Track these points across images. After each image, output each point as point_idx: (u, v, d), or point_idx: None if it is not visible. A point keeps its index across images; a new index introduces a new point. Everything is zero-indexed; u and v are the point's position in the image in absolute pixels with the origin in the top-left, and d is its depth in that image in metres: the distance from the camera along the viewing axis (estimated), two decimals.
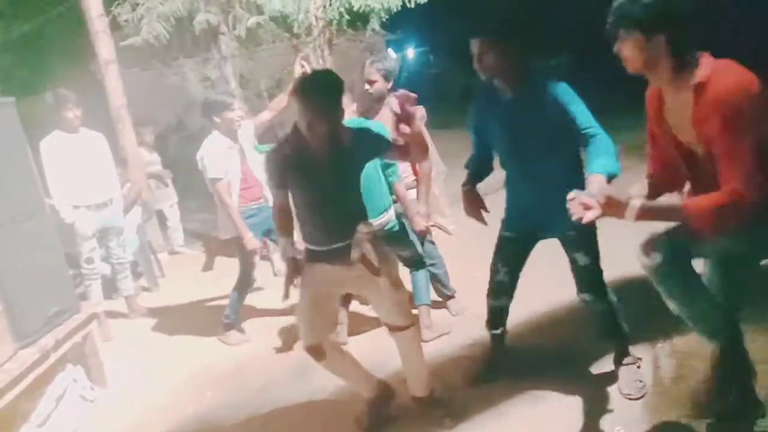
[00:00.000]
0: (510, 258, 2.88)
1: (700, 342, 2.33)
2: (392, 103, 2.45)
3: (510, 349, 3.17)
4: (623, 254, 2.71)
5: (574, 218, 1.96)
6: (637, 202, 1.88)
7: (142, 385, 3.76)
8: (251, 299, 4.39)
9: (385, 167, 3.46)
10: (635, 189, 2.19)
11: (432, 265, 3.84)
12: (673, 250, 2.04)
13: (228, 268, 4.21)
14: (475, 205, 2.84)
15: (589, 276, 2.73)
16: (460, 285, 4.00)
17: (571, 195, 1.98)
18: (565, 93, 2.51)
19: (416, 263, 3.66)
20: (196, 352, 4.13)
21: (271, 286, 5.03)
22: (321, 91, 2.36)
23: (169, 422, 3.29)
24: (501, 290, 2.93)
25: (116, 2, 6.49)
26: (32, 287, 3.19)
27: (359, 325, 3.91)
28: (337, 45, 7.41)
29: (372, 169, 3.36)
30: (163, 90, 9.30)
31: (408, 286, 3.95)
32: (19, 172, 3.27)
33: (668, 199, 2.24)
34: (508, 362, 3.10)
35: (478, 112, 2.81)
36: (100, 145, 4.65)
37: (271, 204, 4.06)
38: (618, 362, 2.84)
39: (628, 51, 1.94)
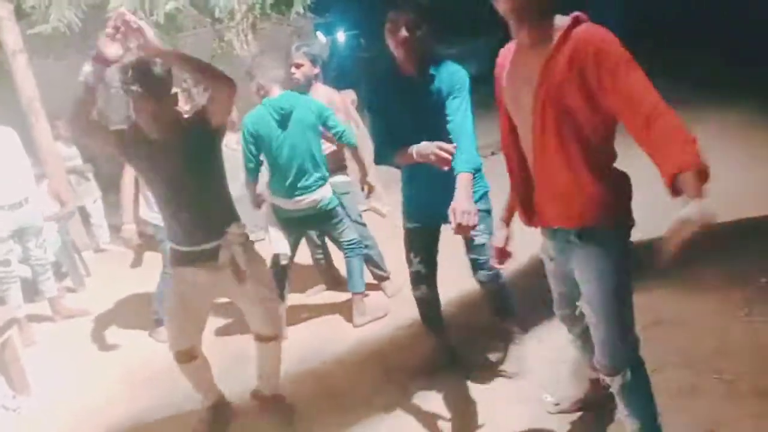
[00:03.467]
0: (420, 248, 2.84)
1: None
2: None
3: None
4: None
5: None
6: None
7: (71, 389, 3.60)
8: None
9: (339, 135, 3.42)
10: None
11: (365, 246, 3.84)
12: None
13: (158, 263, 4.06)
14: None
15: (485, 255, 2.71)
16: (394, 267, 4.02)
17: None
18: (459, 79, 2.49)
19: (352, 246, 3.64)
20: (127, 352, 4.00)
21: None
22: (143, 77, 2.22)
23: (102, 426, 3.17)
24: (420, 280, 2.89)
25: None
26: None
27: (295, 314, 3.88)
28: (263, 29, 7.24)
29: (305, 135, 3.33)
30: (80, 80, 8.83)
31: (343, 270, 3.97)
32: None
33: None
34: (453, 356, 3.09)
35: (378, 90, 2.69)
36: (10, 141, 4.37)
37: None
38: (504, 340, 2.95)
39: None
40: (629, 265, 1.83)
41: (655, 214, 1.69)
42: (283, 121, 3.30)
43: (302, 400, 3.01)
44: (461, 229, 2.22)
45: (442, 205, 2.60)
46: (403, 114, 2.53)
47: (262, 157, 3.40)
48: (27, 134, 5.98)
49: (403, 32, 2.41)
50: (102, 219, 6.60)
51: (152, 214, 3.81)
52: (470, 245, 2.72)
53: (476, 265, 2.75)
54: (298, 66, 3.57)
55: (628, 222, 1.85)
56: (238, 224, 2.47)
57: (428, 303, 2.97)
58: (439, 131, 2.47)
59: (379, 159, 2.67)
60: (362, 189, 3.79)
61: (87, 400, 3.44)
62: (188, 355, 2.67)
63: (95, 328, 4.46)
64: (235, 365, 3.39)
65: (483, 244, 2.67)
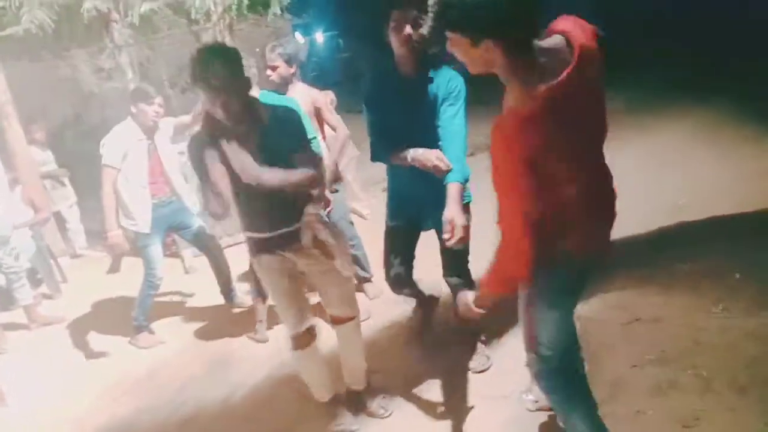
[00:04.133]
0: (400, 249, 2.84)
1: None
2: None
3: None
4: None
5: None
6: None
7: (50, 398, 3.55)
8: (161, 298, 4.23)
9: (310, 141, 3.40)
10: None
11: (351, 246, 3.83)
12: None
13: (136, 268, 4.02)
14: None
15: (458, 260, 2.73)
16: (375, 269, 4.02)
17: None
18: (456, 86, 2.50)
19: None
20: (106, 359, 3.94)
21: (182, 284, 4.88)
22: (219, 67, 2.12)
23: None
24: (399, 283, 2.90)
25: None
26: None
27: (275, 317, 3.86)
28: (240, 30, 7.17)
29: None
30: (55, 83, 8.68)
31: None
32: None
33: None
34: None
35: (377, 88, 2.68)
36: None
37: (181, 199, 3.95)
38: (471, 339, 3.00)
39: None
40: None
41: (627, 215, 1.72)
42: None
43: (281, 404, 3.00)
44: (457, 243, 2.28)
45: (424, 207, 2.66)
46: (399, 114, 2.54)
47: None
48: (0, 139, 5.90)
49: (407, 30, 2.41)
50: (78, 224, 6.50)
51: (128, 221, 3.78)
52: (445, 249, 2.69)
53: (449, 269, 2.78)
54: (273, 68, 3.55)
55: None
56: (314, 205, 2.44)
57: (412, 295, 3.07)
58: (432, 134, 2.50)
59: (374, 156, 2.69)
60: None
61: (67, 409, 3.39)
62: (308, 338, 2.58)
63: (74, 335, 4.39)
64: (216, 368, 3.37)
65: (458, 251, 2.63)
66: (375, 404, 2.77)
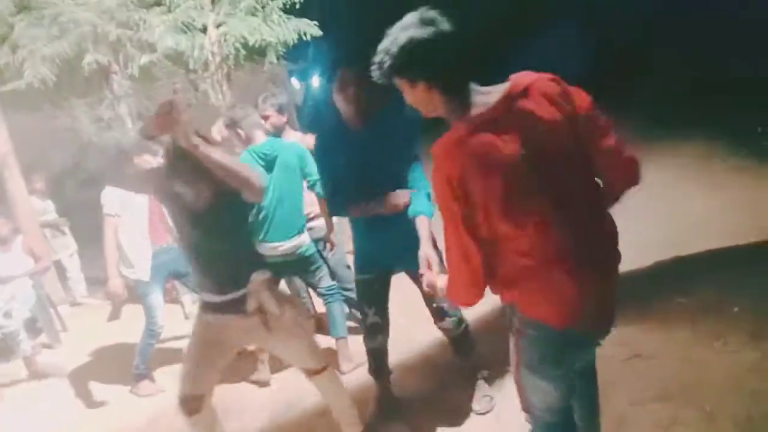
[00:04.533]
0: (373, 299, 2.85)
1: None
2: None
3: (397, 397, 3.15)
4: None
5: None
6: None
7: None
8: (161, 345, 4.22)
9: (313, 183, 3.44)
10: None
11: (349, 290, 3.85)
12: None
13: (136, 315, 4.02)
14: None
15: (447, 302, 2.69)
16: None
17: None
18: (411, 125, 2.53)
19: (331, 292, 3.65)
20: (107, 408, 3.91)
21: (182, 330, 4.86)
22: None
23: None
24: (375, 331, 2.90)
25: None
26: None
27: (278, 361, 3.85)
28: (237, 78, 7.34)
29: (290, 178, 3.37)
30: (54, 133, 8.80)
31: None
32: None
33: None
34: (398, 408, 3.09)
35: (326, 147, 2.71)
36: None
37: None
38: (469, 379, 2.96)
39: None
40: None
41: (622, 250, 1.73)
42: (269, 166, 3.34)
43: None
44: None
45: (392, 254, 2.66)
46: (352, 168, 2.55)
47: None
48: (1, 189, 5.96)
49: (351, 90, 2.46)
50: (78, 272, 6.51)
51: (128, 269, 3.82)
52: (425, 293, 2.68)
53: (440, 312, 2.76)
54: (266, 117, 3.63)
55: None
56: (263, 270, 2.45)
57: (380, 353, 2.98)
58: (391, 181, 2.53)
59: (333, 211, 2.75)
60: (324, 246, 3.77)
61: None
62: (195, 404, 2.53)
63: (74, 384, 4.36)
64: (229, 416, 3.34)
65: None
66: None
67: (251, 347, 3.60)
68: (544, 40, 9.63)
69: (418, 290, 2.67)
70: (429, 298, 2.71)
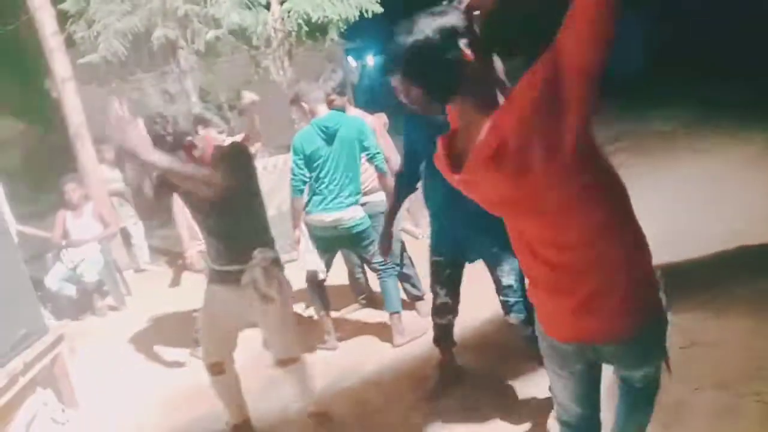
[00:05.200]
0: (445, 281, 2.89)
1: None
2: None
3: (459, 366, 3.21)
4: None
5: None
6: None
7: (114, 405, 3.73)
8: None
9: (372, 156, 3.54)
10: None
11: (402, 265, 3.91)
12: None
13: (195, 283, 4.19)
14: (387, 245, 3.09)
15: (514, 296, 2.66)
16: (426, 288, 4.08)
17: None
18: None
19: (385, 267, 3.71)
20: (168, 369, 4.11)
21: None
22: None
23: None
24: (445, 310, 2.96)
25: (71, 20, 6.39)
26: None
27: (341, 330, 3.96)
28: (296, 55, 7.45)
29: (349, 152, 3.46)
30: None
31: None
32: None
33: None
34: (459, 378, 3.15)
35: (412, 128, 2.77)
36: None
37: None
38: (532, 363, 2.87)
39: None
40: None
41: (684, 239, 1.70)
42: (329, 139, 3.45)
43: (340, 418, 3.07)
44: None
45: (466, 241, 2.68)
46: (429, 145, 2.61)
47: (308, 175, 3.54)
48: (74, 158, 6.26)
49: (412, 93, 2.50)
50: (142, 240, 6.81)
51: (196, 242, 3.98)
52: (499, 286, 2.72)
53: (506, 307, 2.73)
54: (330, 102, 3.69)
55: None
56: (264, 249, 2.60)
57: (447, 328, 3.04)
58: None
59: (406, 182, 2.90)
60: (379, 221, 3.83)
61: (130, 416, 3.56)
62: (217, 369, 2.83)
63: (138, 345, 4.60)
64: (269, 387, 3.47)
65: (510, 285, 2.66)
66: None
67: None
68: None
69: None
70: (499, 290, 2.72)
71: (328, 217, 3.53)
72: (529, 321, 2.65)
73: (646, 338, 1.55)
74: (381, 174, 3.64)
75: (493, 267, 2.71)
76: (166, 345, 4.45)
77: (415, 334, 3.74)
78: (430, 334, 3.68)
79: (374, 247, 3.67)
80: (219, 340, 2.82)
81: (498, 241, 2.31)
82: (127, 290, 5.91)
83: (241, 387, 2.98)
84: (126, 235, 6.69)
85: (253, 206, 2.66)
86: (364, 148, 3.53)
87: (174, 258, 6.77)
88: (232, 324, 2.83)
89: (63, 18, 6.25)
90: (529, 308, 2.58)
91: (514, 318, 2.71)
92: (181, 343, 4.31)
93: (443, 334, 3.06)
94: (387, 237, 3.10)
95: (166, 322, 4.97)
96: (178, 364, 4.12)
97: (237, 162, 2.53)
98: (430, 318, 3.90)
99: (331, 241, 3.69)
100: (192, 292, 4.29)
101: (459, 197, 2.41)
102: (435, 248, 2.88)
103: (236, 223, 2.57)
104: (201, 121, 3.92)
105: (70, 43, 6.38)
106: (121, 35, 6.18)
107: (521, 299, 2.64)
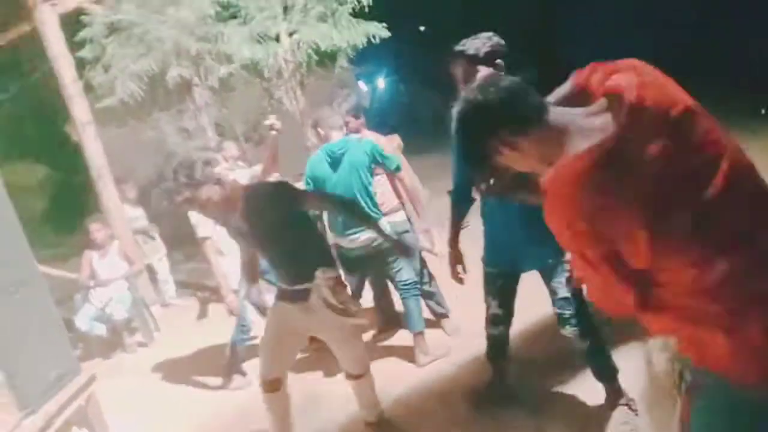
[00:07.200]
0: (498, 292, 2.86)
1: None
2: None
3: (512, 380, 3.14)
4: None
5: None
6: None
7: None
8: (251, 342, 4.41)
9: (384, 159, 3.58)
10: None
11: (425, 283, 3.92)
12: None
13: (222, 314, 4.23)
14: (457, 267, 2.90)
15: (570, 308, 2.63)
16: (453, 305, 4.07)
17: None
18: None
19: (408, 287, 3.72)
20: (199, 402, 4.13)
21: None
22: None
23: None
24: (498, 321, 2.92)
25: (88, 66, 6.59)
26: (31, 354, 3.20)
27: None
28: (308, 84, 7.57)
29: (355, 175, 3.50)
30: (140, 145, 9.35)
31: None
32: (7, 242, 3.30)
33: None
34: (510, 392, 3.08)
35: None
36: None
37: None
38: (608, 403, 2.75)
39: None
40: None
41: None
42: (335, 163, 3.52)
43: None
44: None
45: (520, 249, 2.61)
46: None
47: None
48: (97, 198, 6.40)
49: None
50: (168, 275, 6.90)
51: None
52: (554, 298, 2.68)
53: (561, 320, 2.69)
54: (345, 124, 3.77)
55: None
56: (325, 269, 2.69)
57: (499, 341, 2.98)
58: None
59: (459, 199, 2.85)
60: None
61: None
62: (273, 385, 2.88)
63: (169, 379, 4.64)
64: (309, 405, 3.47)
65: (566, 298, 2.61)
66: None
67: None
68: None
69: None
70: (555, 302, 2.68)
71: (350, 240, 3.58)
72: (584, 334, 2.64)
73: None
74: (389, 173, 3.69)
75: (548, 279, 2.68)
76: (198, 377, 4.48)
77: (439, 354, 3.72)
78: (454, 353, 3.67)
79: (398, 266, 3.69)
80: (281, 357, 2.91)
81: (554, 252, 2.28)
82: (155, 325, 5.97)
83: (290, 407, 3.02)
84: (151, 271, 6.79)
85: (309, 227, 2.83)
86: (377, 163, 3.59)
87: (200, 290, 6.83)
88: (295, 341, 2.94)
89: (80, 65, 6.44)
90: (584, 321, 2.63)
91: (570, 331, 2.66)
92: (211, 372, 4.34)
93: (496, 347, 3.00)
94: (454, 259, 2.93)
95: (196, 355, 5.01)
96: (212, 396, 4.13)
97: (267, 204, 2.64)
98: (455, 336, 3.93)
99: (357, 262, 3.73)
100: (220, 324, 4.34)
101: (514, 209, 2.42)
102: (489, 260, 2.84)
103: (295, 246, 2.69)
104: (209, 162, 4.00)
105: (88, 88, 6.56)
106: (137, 77, 6.35)
107: (577, 312, 2.60)
